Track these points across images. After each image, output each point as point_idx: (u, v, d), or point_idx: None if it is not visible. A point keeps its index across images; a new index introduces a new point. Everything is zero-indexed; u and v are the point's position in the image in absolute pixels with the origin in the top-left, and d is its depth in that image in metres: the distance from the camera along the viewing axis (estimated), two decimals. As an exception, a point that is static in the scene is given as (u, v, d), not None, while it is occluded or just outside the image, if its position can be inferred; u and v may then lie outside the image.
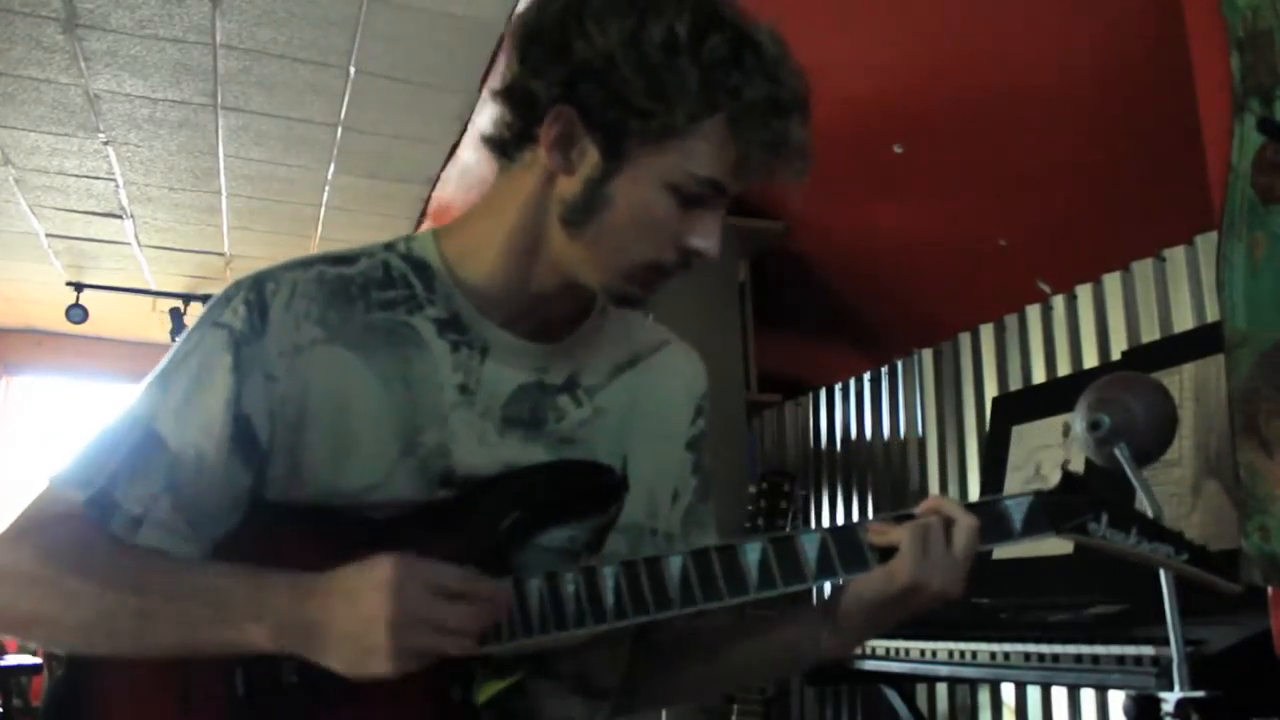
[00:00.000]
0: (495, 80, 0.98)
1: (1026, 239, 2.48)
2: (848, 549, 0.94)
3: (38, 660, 4.70)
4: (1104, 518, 0.97)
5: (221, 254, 4.90)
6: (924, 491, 2.84)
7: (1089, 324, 2.35)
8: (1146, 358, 1.86)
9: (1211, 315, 1.94)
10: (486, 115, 1.01)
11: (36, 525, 0.92)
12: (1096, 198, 2.26)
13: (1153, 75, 1.88)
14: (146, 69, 3.30)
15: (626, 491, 1.03)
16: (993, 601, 1.94)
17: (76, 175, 4.06)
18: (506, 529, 0.94)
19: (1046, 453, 2.06)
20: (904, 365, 3.07)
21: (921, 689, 2.64)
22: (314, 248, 4.63)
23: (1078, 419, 1.43)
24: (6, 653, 4.90)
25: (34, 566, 0.89)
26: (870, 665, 1.93)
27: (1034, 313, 2.54)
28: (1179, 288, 2.11)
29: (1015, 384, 2.57)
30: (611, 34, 0.90)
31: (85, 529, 0.90)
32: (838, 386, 3.37)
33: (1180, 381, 1.74)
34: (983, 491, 2.27)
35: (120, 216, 4.47)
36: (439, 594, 0.83)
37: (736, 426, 3.05)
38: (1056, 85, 2.10)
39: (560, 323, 1.05)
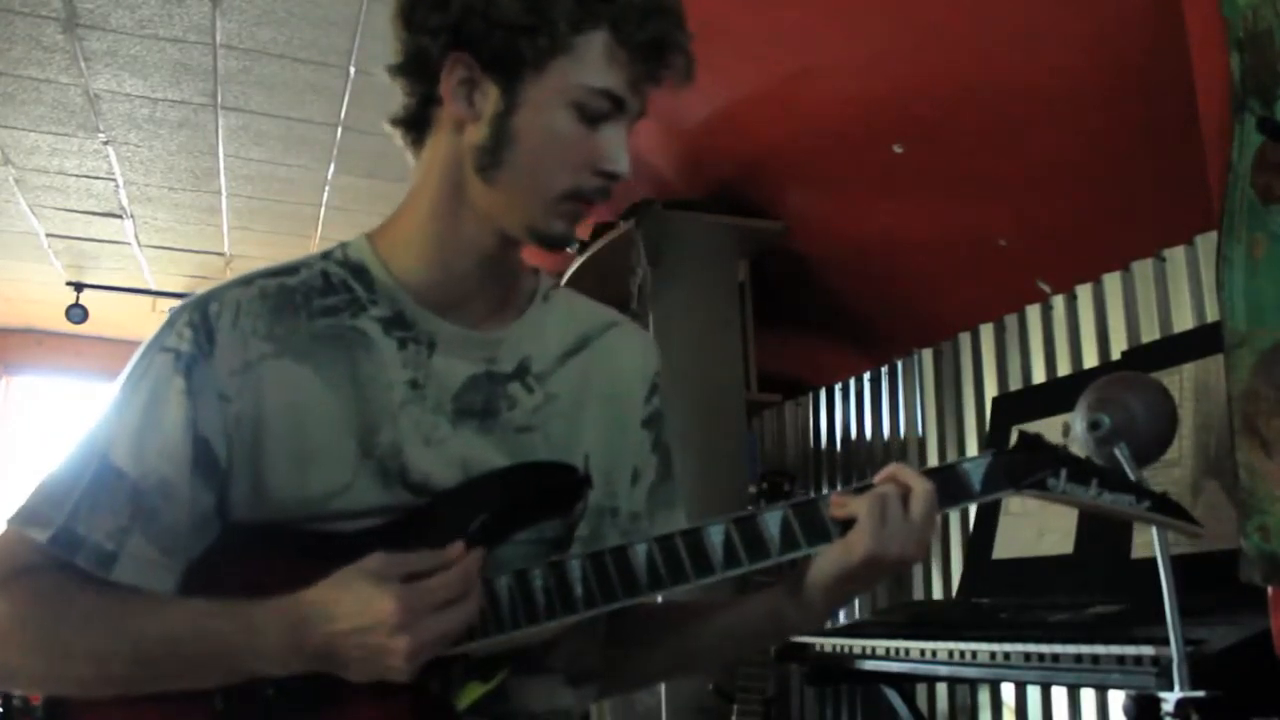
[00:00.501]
0: (390, 59, 1.02)
1: (1026, 239, 2.48)
2: (810, 523, 0.95)
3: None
4: (1063, 473, 0.99)
5: (221, 254, 4.90)
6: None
7: (1089, 324, 2.35)
8: (1146, 358, 1.86)
9: (1211, 315, 1.93)
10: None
11: (8, 574, 0.90)
12: (1096, 198, 2.26)
13: (1153, 75, 1.88)
14: (146, 69, 3.30)
15: (590, 489, 1.03)
16: (993, 601, 1.94)
17: (76, 175, 4.06)
18: (473, 535, 0.94)
19: (1046, 453, 2.06)
20: (904, 365, 3.06)
21: (921, 689, 2.64)
22: (314, 247, 4.62)
23: (1078, 419, 1.43)
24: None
25: (14, 621, 0.88)
26: (870, 665, 1.93)
27: (1034, 313, 2.54)
28: (1179, 288, 2.11)
29: (1015, 384, 2.57)
30: None
31: (61, 575, 0.89)
32: (838, 386, 3.37)
33: (1180, 381, 1.74)
34: (983, 491, 2.26)
35: (120, 216, 4.47)
36: (441, 609, 0.84)
37: (736, 426, 3.05)
38: (1057, 85, 2.10)
39: (503, 308, 1.07)
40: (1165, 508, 1.01)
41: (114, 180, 4.10)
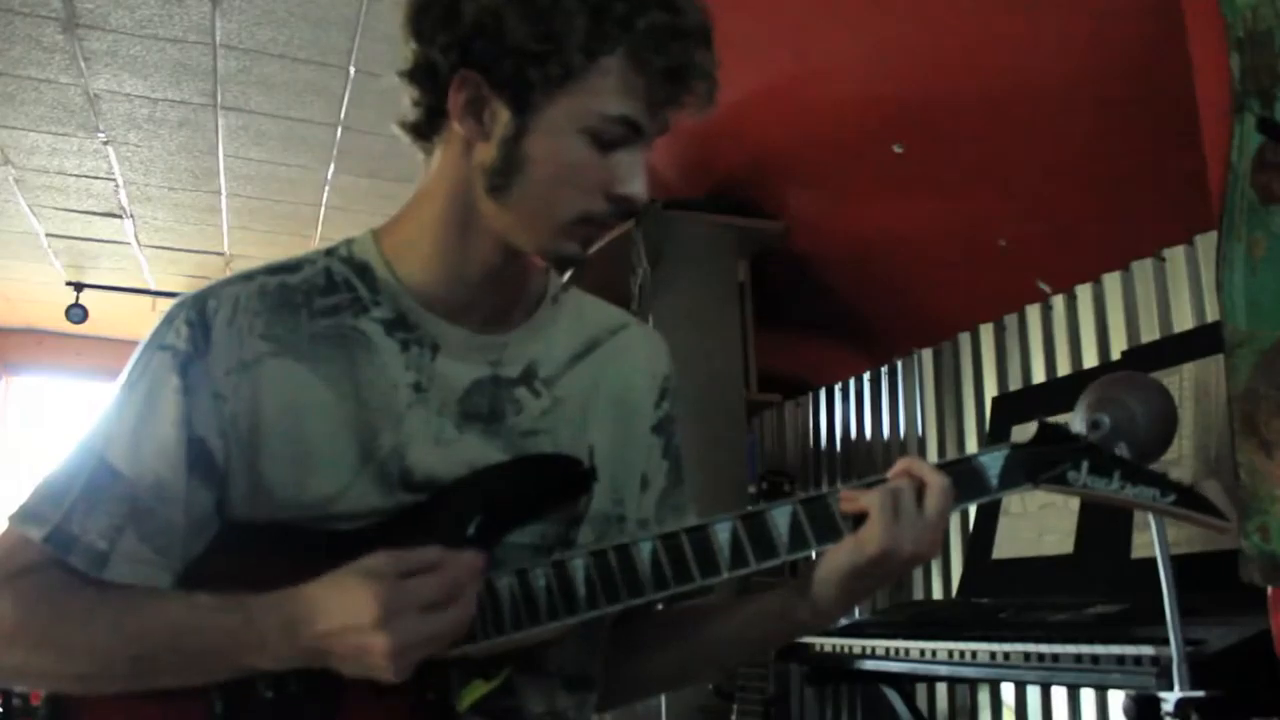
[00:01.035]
0: (395, 62, 0.99)
1: (1026, 239, 2.48)
2: (820, 520, 0.93)
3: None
4: (1084, 465, 0.95)
5: (221, 254, 4.90)
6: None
7: (1089, 324, 2.35)
8: (1146, 358, 1.86)
9: (1211, 315, 1.93)
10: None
11: (10, 573, 0.90)
12: (1096, 198, 2.26)
13: (1153, 75, 1.87)
14: (146, 69, 3.30)
15: (596, 482, 1.01)
16: (993, 601, 1.94)
17: (76, 175, 4.06)
18: (474, 531, 0.93)
19: (1046, 453, 2.05)
20: (904, 365, 3.07)
21: (921, 689, 2.64)
22: (314, 248, 4.62)
23: (1078, 419, 1.43)
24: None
25: (18, 619, 0.88)
26: (870, 665, 1.93)
27: (1034, 313, 2.54)
28: (1179, 288, 2.11)
29: (1015, 384, 2.57)
30: None
31: (61, 573, 0.89)
32: (838, 386, 3.37)
33: (1180, 381, 1.74)
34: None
35: (120, 216, 4.47)
36: (426, 611, 0.82)
37: (736, 426, 3.05)
38: (1056, 85, 2.10)
39: (509, 311, 1.05)
40: (1191, 501, 0.96)
41: (114, 180, 4.10)
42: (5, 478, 5.83)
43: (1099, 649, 1.37)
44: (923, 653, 1.78)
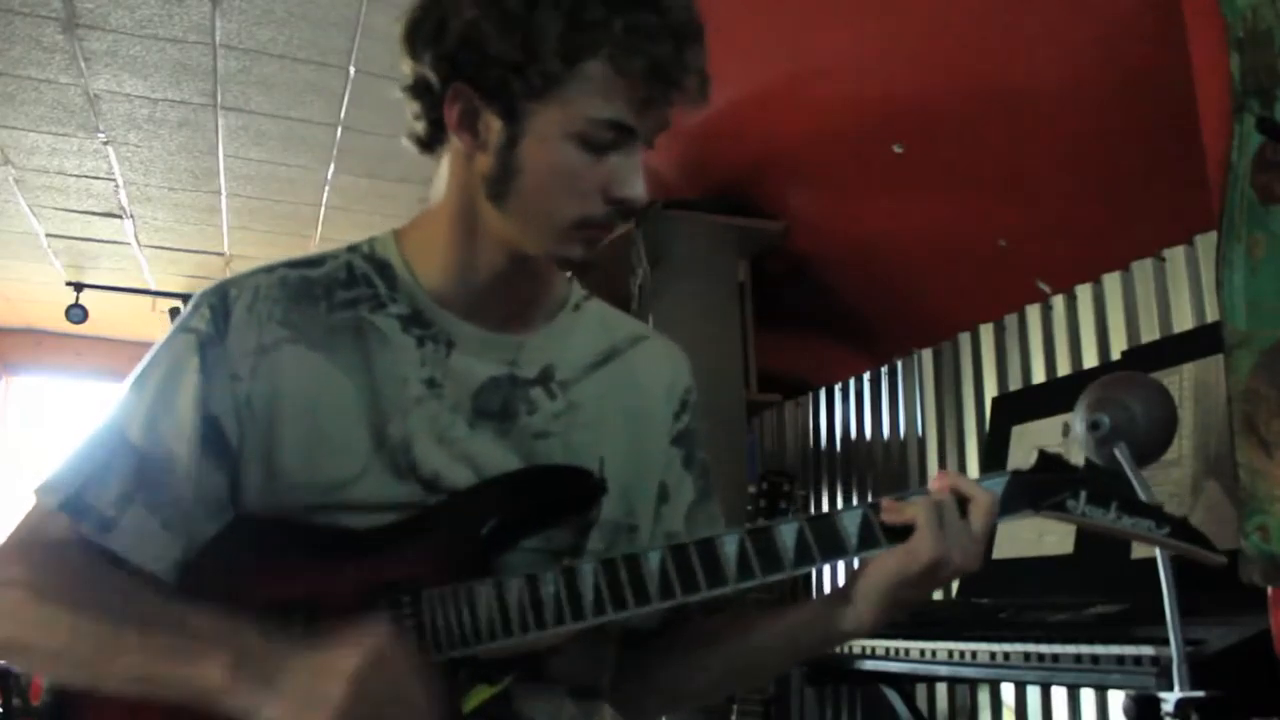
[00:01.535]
0: (390, 63, 1.01)
1: (1026, 239, 2.48)
2: (825, 537, 0.94)
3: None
4: (1082, 494, 0.97)
5: (221, 254, 4.90)
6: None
7: (1089, 324, 2.35)
8: (1146, 358, 1.86)
9: (1211, 315, 1.94)
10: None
11: (28, 544, 0.92)
12: (1096, 198, 2.26)
13: (1153, 75, 1.88)
14: (146, 69, 3.30)
15: (605, 494, 1.02)
16: (993, 601, 1.94)
17: (76, 175, 4.06)
18: (487, 535, 0.94)
19: (1046, 453, 2.06)
20: (904, 365, 3.07)
21: (921, 689, 2.64)
22: (314, 248, 4.62)
23: (1078, 419, 1.43)
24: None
25: (18, 590, 0.89)
26: (870, 665, 1.93)
27: (1034, 313, 2.54)
28: (1179, 288, 2.11)
29: (1015, 384, 2.57)
30: (474, 1, 0.92)
31: (71, 551, 0.91)
32: (838, 386, 3.37)
33: (1180, 381, 1.74)
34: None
35: (120, 216, 4.47)
36: (394, 703, 0.80)
37: (736, 426, 3.05)
38: (1056, 85, 2.10)
39: (528, 313, 1.06)
40: (1185, 534, 0.98)
41: (114, 180, 4.10)
42: (5, 478, 5.83)
43: (1099, 649, 1.38)
44: (923, 653, 1.78)
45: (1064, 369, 2.40)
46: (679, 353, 1.18)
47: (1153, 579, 1.26)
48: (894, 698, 2.33)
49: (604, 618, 0.91)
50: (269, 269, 1.02)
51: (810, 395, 3.51)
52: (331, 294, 1.01)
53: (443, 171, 1.02)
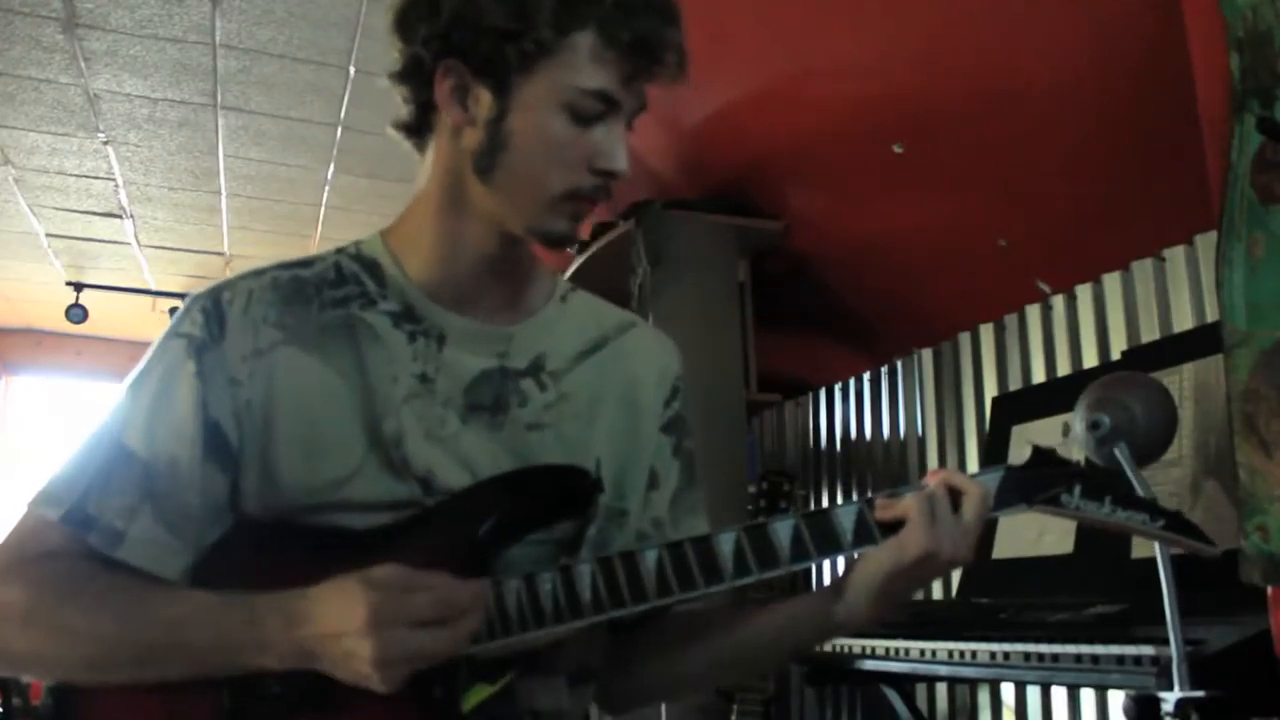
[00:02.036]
0: (389, 64, 1.04)
1: (1026, 239, 2.48)
2: (822, 533, 0.95)
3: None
4: (1077, 489, 0.97)
5: (221, 254, 4.90)
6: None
7: (1089, 324, 2.35)
8: (1146, 358, 1.86)
9: (1211, 315, 1.93)
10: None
11: (23, 557, 0.92)
12: (1096, 198, 2.26)
13: (1153, 75, 1.88)
14: (146, 69, 3.30)
15: (602, 493, 1.03)
16: (993, 601, 1.94)
17: (76, 175, 4.06)
18: (484, 535, 0.95)
19: (1046, 453, 2.06)
20: (904, 365, 3.07)
21: (921, 689, 2.64)
22: (314, 248, 4.63)
23: (1078, 419, 1.43)
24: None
25: (27, 604, 0.90)
26: (870, 665, 1.93)
27: (1034, 313, 2.54)
28: (1179, 288, 2.11)
29: (1015, 384, 2.57)
30: None
31: (76, 560, 0.91)
32: (838, 386, 3.37)
33: (1180, 381, 1.74)
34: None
35: (120, 216, 4.47)
36: (416, 626, 0.84)
37: (736, 426, 3.05)
38: (1056, 85, 2.10)
39: (515, 304, 1.07)
40: (1179, 526, 0.99)
41: (114, 180, 4.11)
42: (5, 478, 5.83)
43: (1099, 649, 1.37)
44: (923, 653, 1.78)
45: (1064, 369, 2.40)
46: (668, 340, 1.19)
47: (1153, 579, 1.25)
48: (894, 698, 2.33)
49: (602, 616, 0.92)
50: (259, 272, 1.03)
51: (810, 395, 3.51)
52: (322, 294, 1.02)
53: (428, 159, 1.04)
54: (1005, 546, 2.01)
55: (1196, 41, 1.53)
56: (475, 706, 0.91)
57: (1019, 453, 2.16)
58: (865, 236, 2.93)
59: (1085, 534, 1.83)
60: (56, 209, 4.39)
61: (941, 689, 2.64)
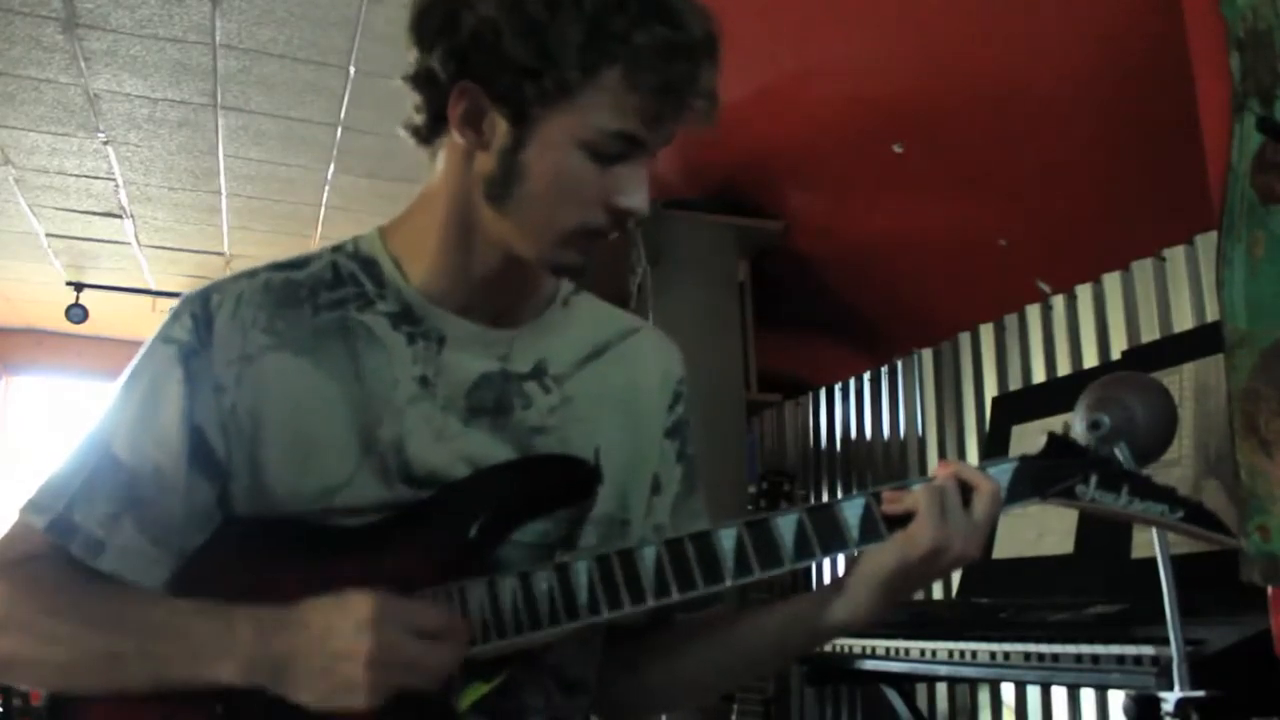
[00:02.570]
0: (392, 62, 0.98)
1: (1026, 239, 2.48)
2: (826, 529, 0.92)
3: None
4: (1092, 479, 0.94)
5: (221, 254, 4.90)
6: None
7: (1089, 324, 2.35)
8: (1146, 358, 1.86)
9: (1211, 315, 1.94)
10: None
11: (6, 562, 0.92)
12: (1096, 198, 2.26)
13: (1153, 75, 1.88)
14: (146, 69, 3.30)
15: (601, 484, 1.01)
16: (993, 601, 1.94)
17: (76, 175, 4.06)
18: (479, 529, 0.93)
19: (1046, 453, 2.06)
20: (904, 365, 3.07)
21: (921, 689, 2.64)
22: (314, 248, 4.62)
23: (1078, 419, 1.43)
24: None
25: (5, 608, 0.89)
26: (870, 665, 1.93)
27: (1034, 313, 2.54)
28: (1179, 288, 2.11)
29: (1015, 384, 2.57)
30: (494, 0, 0.89)
31: (57, 566, 0.91)
32: (838, 386, 3.37)
33: (1180, 381, 1.74)
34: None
35: (120, 216, 4.47)
36: (416, 634, 0.83)
37: (736, 426, 3.05)
38: (1056, 85, 2.10)
39: (517, 310, 1.04)
40: (1199, 517, 0.95)
41: (114, 180, 4.10)
42: (5, 478, 5.83)
43: (1099, 649, 1.37)
44: (923, 653, 1.78)
45: (1064, 369, 2.41)
46: (671, 344, 1.17)
47: (1153, 579, 1.25)
48: (894, 698, 2.33)
49: (599, 617, 0.90)
50: (252, 273, 1.01)
51: (810, 395, 3.51)
52: (317, 295, 0.99)
53: (438, 165, 1.00)
54: (1005, 546, 2.01)
55: (1196, 41, 1.52)
56: (471, 704, 0.91)
57: (1019, 452, 2.16)
58: (865, 236, 2.93)
59: (1085, 534, 1.83)
60: (56, 209, 4.39)
61: (941, 689, 2.64)
